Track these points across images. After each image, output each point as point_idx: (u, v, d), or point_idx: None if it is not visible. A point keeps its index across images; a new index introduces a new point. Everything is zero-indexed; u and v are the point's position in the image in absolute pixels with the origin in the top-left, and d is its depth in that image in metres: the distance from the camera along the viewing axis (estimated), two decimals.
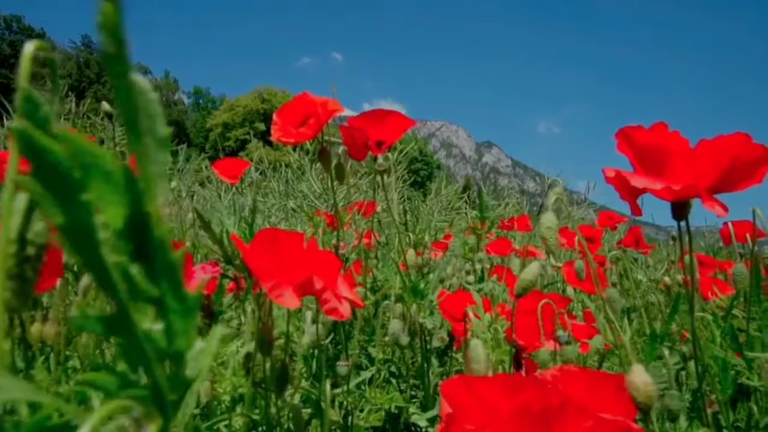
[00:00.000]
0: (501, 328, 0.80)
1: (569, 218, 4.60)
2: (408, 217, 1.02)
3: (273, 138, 0.86)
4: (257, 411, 0.77)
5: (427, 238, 0.99)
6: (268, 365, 0.65)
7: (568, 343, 0.95)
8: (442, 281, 1.46)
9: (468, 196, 4.91)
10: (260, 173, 3.49)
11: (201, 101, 54.93)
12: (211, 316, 0.79)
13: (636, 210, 0.55)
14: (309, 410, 0.77)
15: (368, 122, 0.87)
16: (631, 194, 0.51)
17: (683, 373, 0.93)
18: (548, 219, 0.61)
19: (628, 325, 0.83)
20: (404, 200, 4.83)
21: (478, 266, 1.17)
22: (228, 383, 0.60)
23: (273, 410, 0.77)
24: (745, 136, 0.47)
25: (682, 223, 0.54)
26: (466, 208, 4.18)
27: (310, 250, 0.57)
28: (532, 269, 0.58)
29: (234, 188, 2.66)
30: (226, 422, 0.69)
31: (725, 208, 0.47)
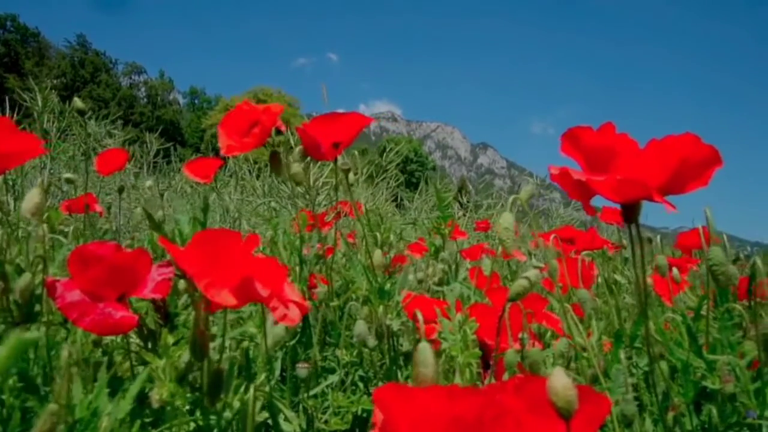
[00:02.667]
0: (470, 330, 0.78)
1: (559, 218, 4.59)
2: (371, 216, 1.01)
3: (222, 152, 0.86)
4: (213, 417, 0.75)
5: (392, 237, 0.97)
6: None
7: (548, 346, 0.93)
8: (420, 282, 1.45)
9: (460, 196, 4.90)
10: (248, 172, 3.47)
11: (197, 101, 54.84)
12: (167, 318, 0.77)
13: (589, 210, 0.53)
14: (266, 415, 0.75)
15: (321, 126, 0.86)
16: (580, 193, 0.50)
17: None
18: (505, 219, 0.60)
19: (596, 326, 0.82)
20: (395, 200, 4.81)
21: (441, 266, 1.15)
22: (165, 389, 0.59)
23: (228, 414, 0.75)
24: (694, 137, 0.45)
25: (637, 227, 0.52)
26: (456, 209, 4.17)
27: (251, 256, 0.55)
28: (530, 275, 0.57)
29: (218, 188, 2.63)
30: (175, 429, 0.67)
31: (673, 206, 0.46)
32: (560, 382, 0.33)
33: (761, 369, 0.60)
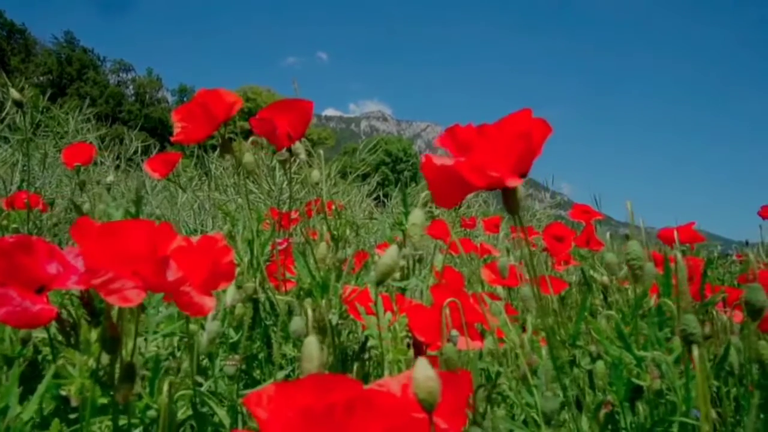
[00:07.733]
0: (399, 326, 0.77)
1: (533, 216, 4.60)
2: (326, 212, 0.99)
3: (174, 139, 0.84)
4: (136, 418, 0.73)
5: (348, 232, 0.96)
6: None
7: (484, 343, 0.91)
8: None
9: None
10: (222, 171, 3.44)
11: (186, 99, 54.51)
12: (93, 313, 0.75)
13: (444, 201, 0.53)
14: (189, 413, 0.73)
15: (275, 112, 0.85)
16: (451, 185, 0.50)
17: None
18: (415, 215, 0.59)
19: (530, 324, 0.80)
20: (377, 198, 4.80)
21: (402, 262, 1.14)
22: (75, 385, 0.57)
23: (153, 413, 0.73)
24: (527, 112, 0.48)
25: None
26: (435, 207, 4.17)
27: (165, 241, 0.53)
28: (390, 253, 0.55)
29: (198, 185, 2.61)
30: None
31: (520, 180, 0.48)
32: (422, 373, 0.31)
33: (686, 365, 0.60)
